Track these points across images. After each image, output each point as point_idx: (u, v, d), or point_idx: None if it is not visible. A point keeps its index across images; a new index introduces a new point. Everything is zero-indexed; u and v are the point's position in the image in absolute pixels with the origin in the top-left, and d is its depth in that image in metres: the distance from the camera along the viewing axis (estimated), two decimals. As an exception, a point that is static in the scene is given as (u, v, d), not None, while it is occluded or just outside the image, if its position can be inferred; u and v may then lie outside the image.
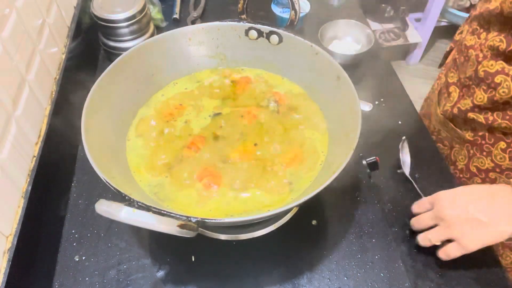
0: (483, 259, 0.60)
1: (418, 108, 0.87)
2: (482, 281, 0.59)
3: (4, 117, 0.55)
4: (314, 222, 0.65)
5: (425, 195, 0.68)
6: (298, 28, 0.99)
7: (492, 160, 0.68)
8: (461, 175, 0.74)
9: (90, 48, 0.90)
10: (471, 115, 0.68)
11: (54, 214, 0.64)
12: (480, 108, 0.66)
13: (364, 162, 0.66)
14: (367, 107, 0.56)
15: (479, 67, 0.64)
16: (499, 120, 0.64)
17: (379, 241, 0.62)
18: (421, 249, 0.61)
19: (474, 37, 0.68)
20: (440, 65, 0.87)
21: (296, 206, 0.45)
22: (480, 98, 0.65)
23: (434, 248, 0.58)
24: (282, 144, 0.60)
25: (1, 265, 0.51)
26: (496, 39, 0.61)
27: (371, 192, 0.68)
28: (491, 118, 0.65)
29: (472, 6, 0.79)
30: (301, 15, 0.84)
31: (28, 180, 0.59)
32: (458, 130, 0.73)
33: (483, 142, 0.69)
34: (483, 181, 0.70)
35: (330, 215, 0.66)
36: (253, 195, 0.55)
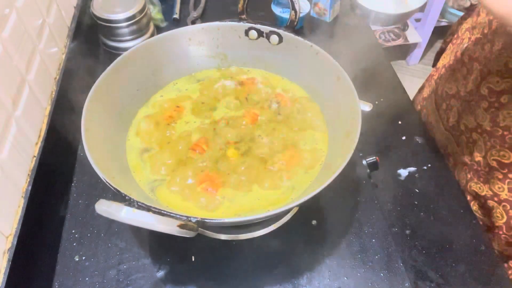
0: (483, 259, 0.61)
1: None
2: (482, 281, 0.59)
3: (4, 117, 0.55)
4: (314, 222, 0.64)
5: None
6: (298, 28, 0.99)
7: (490, 188, 0.65)
8: (463, 195, 0.71)
9: (90, 48, 0.90)
10: (475, 135, 0.63)
11: (54, 214, 0.64)
12: (482, 130, 0.62)
13: (364, 162, 0.66)
14: (367, 107, 0.56)
15: (482, 83, 0.60)
16: (497, 147, 0.59)
17: (379, 241, 0.62)
18: (421, 249, 0.62)
19: (478, 47, 0.63)
20: (434, 65, 0.86)
21: (296, 206, 0.45)
22: (482, 117, 0.61)
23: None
24: (283, 144, 0.60)
25: (1, 265, 0.51)
26: (504, 53, 0.56)
27: (371, 192, 0.68)
28: (488, 143, 0.60)
29: (472, 6, 0.77)
30: (301, 15, 0.83)
31: (28, 180, 0.59)
32: (459, 151, 0.69)
33: (479, 168, 0.65)
34: (482, 207, 0.68)
35: (330, 215, 0.66)
36: (253, 195, 0.55)
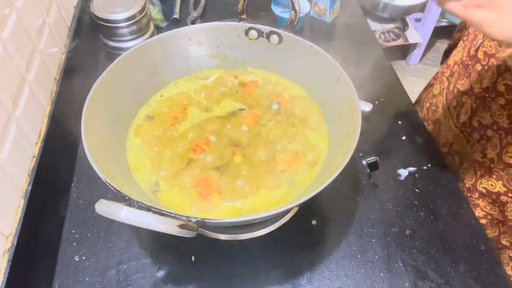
0: (483, 259, 0.61)
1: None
2: (482, 281, 0.59)
3: (4, 117, 0.55)
4: (314, 222, 0.65)
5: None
6: (298, 28, 0.99)
7: (504, 185, 0.64)
8: (469, 194, 0.71)
9: (90, 48, 0.90)
10: (490, 132, 0.63)
11: (54, 214, 0.64)
12: (498, 127, 0.62)
13: (364, 162, 0.66)
14: (367, 107, 0.56)
15: (499, 80, 0.59)
16: None
17: (379, 241, 0.62)
18: (421, 249, 0.62)
19: (494, 43, 0.62)
20: (442, 62, 0.85)
21: (296, 206, 0.45)
22: (499, 114, 0.60)
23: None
24: (283, 144, 0.60)
25: (1, 265, 0.51)
26: None
27: (371, 192, 0.68)
28: (504, 141, 0.60)
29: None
30: (301, 15, 0.84)
31: (28, 180, 0.59)
32: (469, 149, 0.69)
33: (492, 165, 0.65)
34: (493, 203, 0.68)
35: (330, 215, 0.66)
36: (253, 195, 0.55)
